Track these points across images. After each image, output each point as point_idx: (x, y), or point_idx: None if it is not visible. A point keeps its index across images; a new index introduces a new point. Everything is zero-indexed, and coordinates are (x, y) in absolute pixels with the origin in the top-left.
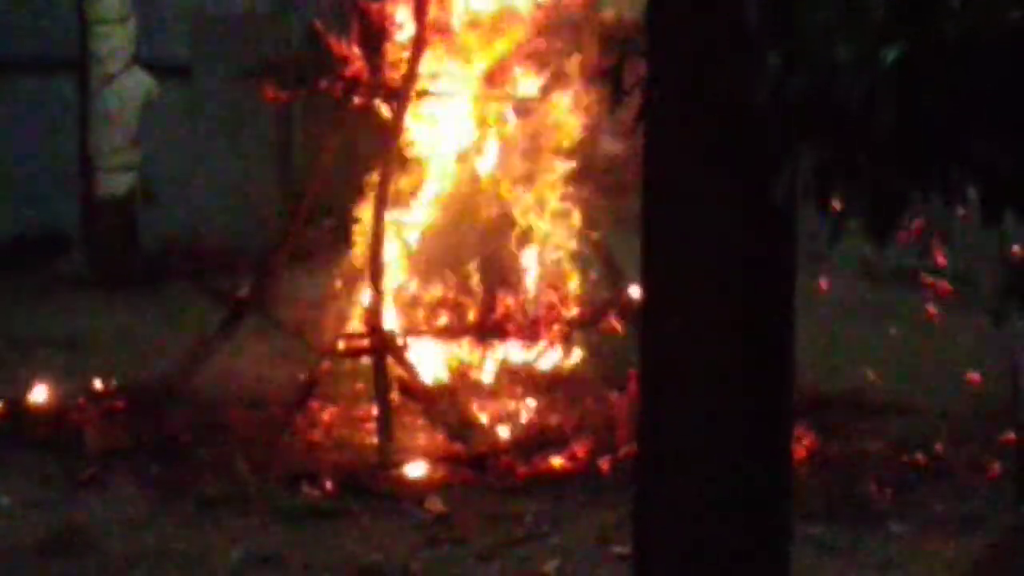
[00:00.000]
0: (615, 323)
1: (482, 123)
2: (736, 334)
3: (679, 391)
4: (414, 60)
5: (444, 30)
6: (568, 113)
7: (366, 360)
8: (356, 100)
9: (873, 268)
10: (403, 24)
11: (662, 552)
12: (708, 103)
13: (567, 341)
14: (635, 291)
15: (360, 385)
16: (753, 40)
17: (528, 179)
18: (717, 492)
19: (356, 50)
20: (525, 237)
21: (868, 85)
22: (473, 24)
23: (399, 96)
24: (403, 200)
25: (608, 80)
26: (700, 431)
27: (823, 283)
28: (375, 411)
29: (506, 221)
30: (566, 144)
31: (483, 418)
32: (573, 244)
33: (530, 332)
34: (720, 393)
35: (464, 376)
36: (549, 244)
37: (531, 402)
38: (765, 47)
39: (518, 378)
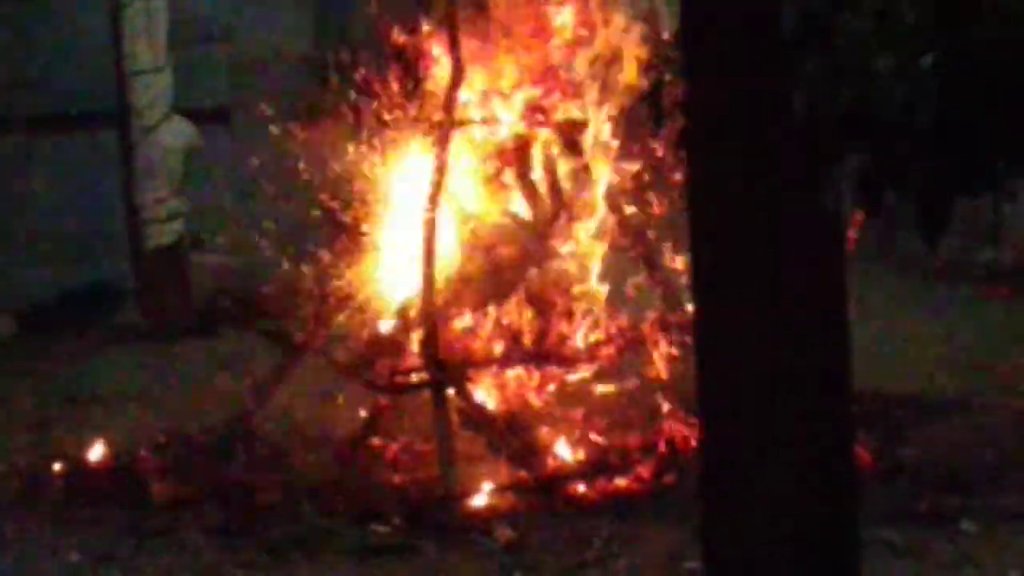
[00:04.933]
0: (672, 340)
1: (524, 147)
2: (790, 343)
3: (736, 403)
4: (452, 92)
5: (480, 59)
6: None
7: (426, 393)
8: (396, 135)
9: (925, 264)
10: (439, 57)
11: (732, 564)
12: (748, 117)
13: (626, 361)
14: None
15: (421, 419)
16: (790, 51)
17: (576, 200)
18: (782, 501)
19: (393, 85)
20: (577, 259)
21: (907, 91)
22: (509, 49)
23: (439, 128)
24: (451, 230)
25: (648, 102)
26: (759, 441)
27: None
28: (437, 443)
29: (556, 244)
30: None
31: (546, 443)
32: (626, 263)
33: (588, 354)
34: (777, 402)
35: (524, 402)
36: (602, 265)
37: (593, 424)
38: (802, 57)
39: (579, 401)
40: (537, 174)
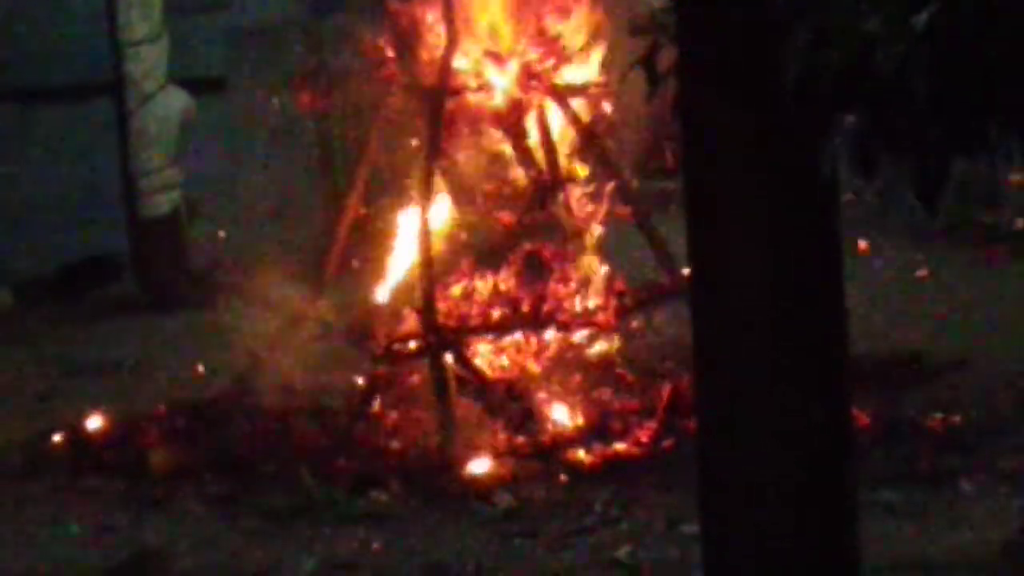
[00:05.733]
0: (670, 304)
1: (522, 114)
2: (787, 309)
3: (732, 369)
4: (447, 59)
5: (474, 27)
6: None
7: (424, 360)
8: (392, 102)
9: (920, 227)
10: (434, 25)
11: (730, 529)
12: (742, 83)
13: (623, 326)
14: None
15: (419, 386)
16: (781, 17)
17: (571, 167)
18: (779, 466)
19: (389, 52)
20: (573, 224)
21: (901, 53)
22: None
23: (435, 95)
24: (447, 197)
25: (642, 68)
26: (755, 407)
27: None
28: (436, 410)
29: (553, 210)
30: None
31: (545, 409)
32: (622, 229)
33: (585, 319)
34: (774, 367)
35: (523, 368)
36: (598, 230)
37: (592, 389)
38: (793, 23)
39: (577, 366)
40: (533, 140)
